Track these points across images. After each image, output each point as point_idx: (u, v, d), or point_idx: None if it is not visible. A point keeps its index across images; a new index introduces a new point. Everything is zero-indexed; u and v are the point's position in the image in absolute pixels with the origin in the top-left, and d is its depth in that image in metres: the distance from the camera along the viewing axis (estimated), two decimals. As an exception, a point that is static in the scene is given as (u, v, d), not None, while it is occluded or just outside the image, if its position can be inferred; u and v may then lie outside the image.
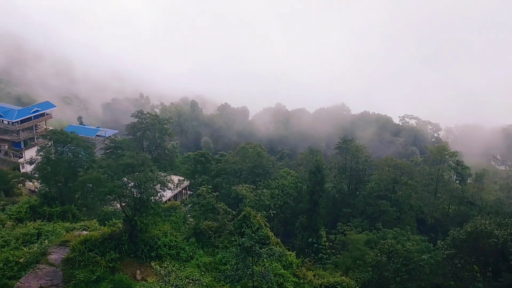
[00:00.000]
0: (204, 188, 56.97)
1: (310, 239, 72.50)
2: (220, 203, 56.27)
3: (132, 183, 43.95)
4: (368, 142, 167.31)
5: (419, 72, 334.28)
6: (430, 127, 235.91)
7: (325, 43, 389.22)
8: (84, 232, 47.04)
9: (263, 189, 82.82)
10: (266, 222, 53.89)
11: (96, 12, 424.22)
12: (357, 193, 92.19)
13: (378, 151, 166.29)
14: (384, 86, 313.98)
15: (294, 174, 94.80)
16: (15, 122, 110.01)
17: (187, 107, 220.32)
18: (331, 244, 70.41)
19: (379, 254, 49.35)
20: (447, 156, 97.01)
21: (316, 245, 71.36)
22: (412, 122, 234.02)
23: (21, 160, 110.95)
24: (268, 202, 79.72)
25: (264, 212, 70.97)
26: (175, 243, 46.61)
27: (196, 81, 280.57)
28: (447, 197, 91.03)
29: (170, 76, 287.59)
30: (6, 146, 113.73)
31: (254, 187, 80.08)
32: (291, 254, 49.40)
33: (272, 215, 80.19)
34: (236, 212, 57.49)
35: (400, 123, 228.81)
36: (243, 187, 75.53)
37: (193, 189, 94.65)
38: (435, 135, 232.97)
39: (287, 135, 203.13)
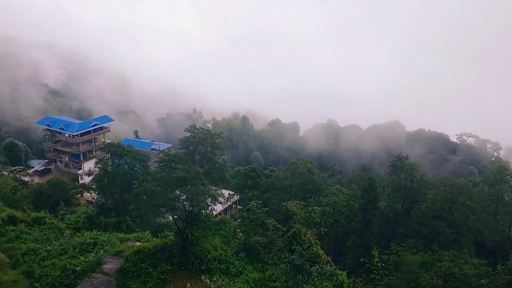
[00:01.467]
0: (254, 203, 56.99)
1: (362, 259, 70.49)
2: (270, 219, 56.09)
3: (184, 196, 44.64)
4: (423, 160, 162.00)
5: (476, 88, 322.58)
6: (490, 146, 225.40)
7: (377, 58, 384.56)
8: (138, 243, 48.10)
9: (313, 206, 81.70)
10: (316, 240, 53.09)
11: (150, 29, 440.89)
12: (412, 212, 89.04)
13: (434, 169, 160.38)
14: (439, 103, 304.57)
15: (345, 192, 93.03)
16: (75, 135, 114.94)
17: (238, 122, 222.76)
18: (383, 264, 68.11)
19: (434, 277, 47.24)
20: (508, 177, 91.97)
21: (368, 265, 69.24)
22: (470, 140, 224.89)
23: (80, 171, 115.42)
24: (318, 220, 78.48)
25: (315, 229, 69.93)
26: (225, 258, 46.74)
27: (247, 97, 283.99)
28: (508, 219, 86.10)
29: (222, 91, 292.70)
30: (67, 158, 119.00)
31: (305, 203, 79.20)
32: (342, 274, 48.22)
33: (323, 233, 78.82)
34: (286, 228, 57.05)
35: (457, 141, 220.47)
36: (293, 203, 74.94)
37: (243, 204, 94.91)
38: (495, 154, 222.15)
39: (339, 151, 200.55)
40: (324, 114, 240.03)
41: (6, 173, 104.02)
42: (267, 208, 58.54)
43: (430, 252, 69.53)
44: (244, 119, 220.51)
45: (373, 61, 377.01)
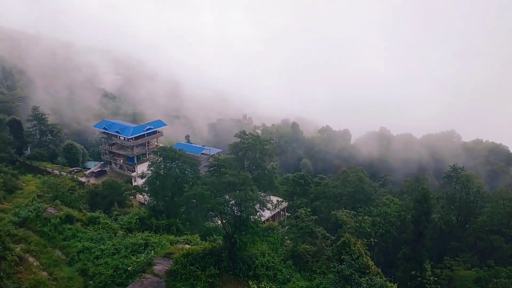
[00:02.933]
0: (303, 211, 56.40)
1: (413, 272, 68.10)
2: (318, 227, 55.31)
3: (233, 201, 44.89)
4: (480, 172, 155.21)
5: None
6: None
7: (432, 65, 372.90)
8: (187, 245, 48.78)
9: (364, 216, 79.89)
10: (366, 251, 51.68)
11: (202, 35, 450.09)
12: (467, 226, 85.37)
13: (491, 182, 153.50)
14: (498, 113, 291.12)
15: (397, 202, 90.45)
16: (130, 138, 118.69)
17: (288, 128, 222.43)
18: (436, 279, 65.58)
19: (491, 295, 44.93)
20: None
21: (419, 279, 66.80)
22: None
23: (133, 174, 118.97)
24: (369, 230, 76.61)
25: (365, 240, 68.04)
26: (273, 264, 46.50)
27: (298, 103, 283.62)
28: None
29: (272, 98, 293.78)
30: (121, 160, 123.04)
31: (355, 213, 77.63)
32: (392, 286, 46.72)
33: (373, 243, 76.73)
34: (335, 237, 56.06)
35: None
36: (343, 212, 73.63)
37: (291, 211, 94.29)
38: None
39: (391, 160, 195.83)
40: (376, 122, 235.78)
41: (65, 173, 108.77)
42: (316, 216, 57.71)
43: (486, 267, 66.39)
44: (294, 125, 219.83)
45: (427, 67, 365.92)
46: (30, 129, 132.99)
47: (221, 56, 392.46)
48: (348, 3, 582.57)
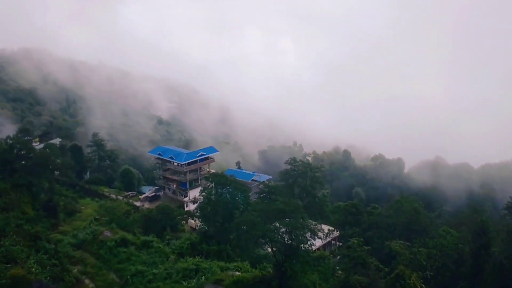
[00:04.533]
0: (355, 241, 55.17)
1: (472, 309, 64.58)
2: (371, 258, 53.83)
3: (284, 229, 44.64)
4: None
5: None
6: None
7: (491, 89, 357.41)
8: (237, 273, 48.81)
9: (419, 248, 76.72)
10: (422, 284, 49.65)
11: (250, 62, 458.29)
12: (531, 261, 79.94)
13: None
14: None
15: (454, 234, 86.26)
16: (183, 164, 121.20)
17: (339, 156, 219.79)
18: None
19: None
20: None
21: (479, 316, 63.20)
22: None
23: (186, 199, 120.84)
24: (424, 262, 73.35)
25: (420, 273, 65.42)
26: (324, 295, 45.58)
27: (349, 130, 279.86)
28: None
29: (322, 125, 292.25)
30: (174, 185, 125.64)
31: (409, 244, 74.82)
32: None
33: (429, 277, 73.40)
34: (389, 269, 54.25)
35: None
36: (397, 243, 71.22)
37: (342, 241, 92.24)
38: None
39: (447, 190, 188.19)
40: (431, 151, 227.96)
41: (121, 197, 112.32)
42: (368, 247, 56.26)
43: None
44: (346, 153, 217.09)
45: (486, 91, 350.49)
46: (90, 155, 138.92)
47: (270, 84, 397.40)
48: (398, 27, 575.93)
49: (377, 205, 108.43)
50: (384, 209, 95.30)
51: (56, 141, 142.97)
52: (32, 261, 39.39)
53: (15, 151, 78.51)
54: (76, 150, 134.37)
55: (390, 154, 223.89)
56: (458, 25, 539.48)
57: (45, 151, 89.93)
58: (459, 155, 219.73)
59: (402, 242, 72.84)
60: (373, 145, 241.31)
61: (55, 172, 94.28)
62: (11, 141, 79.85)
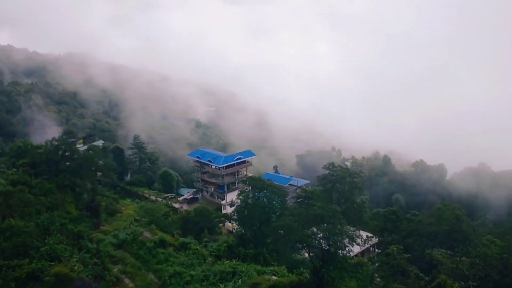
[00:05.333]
0: (395, 248, 54.16)
1: (518, 322, 61.77)
2: (411, 266, 52.63)
3: (321, 234, 44.22)
4: None
5: None
6: None
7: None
8: (274, 277, 48.61)
9: (461, 257, 74.15)
10: (464, 295, 48.06)
11: (285, 66, 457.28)
12: None
13: None
14: None
15: (499, 244, 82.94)
16: (221, 167, 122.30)
17: (379, 161, 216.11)
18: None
19: None
20: None
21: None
22: None
23: (223, 202, 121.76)
24: (467, 272, 70.79)
25: (462, 282, 63.27)
26: (362, 303, 44.76)
27: (388, 135, 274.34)
28: None
29: (361, 130, 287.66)
30: (212, 188, 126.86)
31: (451, 253, 72.44)
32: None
33: (471, 287, 70.98)
34: (429, 278, 52.86)
35: None
36: (438, 251, 69.10)
37: (381, 248, 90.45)
38: None
39: (492, 199, 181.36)
40: (475, 157, 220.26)
41: (160, 199, 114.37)
42: (408, 255, 54.97)
43: None
44: (385, 159, 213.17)
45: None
46: (131, 157, 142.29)
47: (307, 88, 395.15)
48: (437, 27, 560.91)
49: (417, 212, 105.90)
50: (424, 216, 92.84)
51: (99, 143, 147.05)
52: (74, 259, 40.55)
53: (60, 153, 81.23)
54: (118, 152, 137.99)
55: (431, 160, 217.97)
56: (502, 25, 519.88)
57: (89, 153, 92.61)
58: (504, 162, 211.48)
59: (444, 250, 70.60)
60: (413, 151, 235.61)
61: (98, 173, 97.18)
62: (56, 143, 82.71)
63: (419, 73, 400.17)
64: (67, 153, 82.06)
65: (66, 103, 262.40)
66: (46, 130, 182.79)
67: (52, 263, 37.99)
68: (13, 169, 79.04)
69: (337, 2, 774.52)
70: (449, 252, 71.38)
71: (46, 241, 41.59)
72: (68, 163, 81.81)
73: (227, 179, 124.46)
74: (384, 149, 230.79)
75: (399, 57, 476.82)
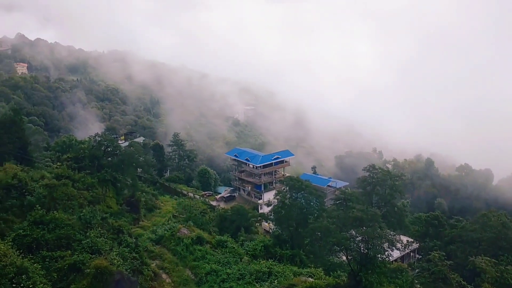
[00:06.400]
0: (436, 254, 52.56)
1: None
2: (453, 274, 50.87)
3: (360, 238, 43.33)
4: None
5: None
6: None
7: None
8: (310, 279, 47.96)
9: (506, 266, 71.25)
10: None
11: (325, 65, 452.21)
12: None
13: None
14: None
15: (548, 254, 79.24)
16: (258, 166, 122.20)
17: (421, 164, 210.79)
18: None
19: None
20: None
21: None
22: None
23: (260, 201, 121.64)
24: (512, 282, 68.07)
25: (507, 293, 60.80)
26: (401, 309, 43.49)
27: (431, 137, 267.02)
28: None
29: (403, 131, 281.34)
30: (249, 187, 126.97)
31: (496, 261, 69.62)
32: None
33: (517, 298, 67.97)
34: (472, 287, 50.84)
35: None
36: (482, 259, 66.54)
37: (422, 253, 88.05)
38: None
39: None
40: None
41: (198, 196, 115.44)
42: (450, 262, 53.14)
43: None
44: (428, 162, 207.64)
45: None
46: (170, 154, 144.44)
47: (346, 87, 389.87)
48: (481, 25, 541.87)
49: (461, 218, 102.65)
50: (468, 223, 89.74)
51: (140, 139, 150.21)
52: (114, 253, 41.25)
53: (102, 148, 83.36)
54: (158, 149, 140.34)
55: (477, 164, 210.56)
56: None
57: (130, 149, 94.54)
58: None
59: (488, 258, 68.02)
60: (458, 154, 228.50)
61: (138, 169, 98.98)
62: (99, 139, 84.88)
63: (463, 72, 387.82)
64: (109, 149, 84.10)
65: (109, 99, 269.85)
66: (89, 126, 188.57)
67: (93, 256, 38.77)
68: (58, 163, 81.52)
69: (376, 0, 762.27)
70: (493, 260, 68.64)
71: (87, 234, 42.54)
72: (110, 159, 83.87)
73: (264, 179, 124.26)
74: (427, 152, 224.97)
75: (441, 55, 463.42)
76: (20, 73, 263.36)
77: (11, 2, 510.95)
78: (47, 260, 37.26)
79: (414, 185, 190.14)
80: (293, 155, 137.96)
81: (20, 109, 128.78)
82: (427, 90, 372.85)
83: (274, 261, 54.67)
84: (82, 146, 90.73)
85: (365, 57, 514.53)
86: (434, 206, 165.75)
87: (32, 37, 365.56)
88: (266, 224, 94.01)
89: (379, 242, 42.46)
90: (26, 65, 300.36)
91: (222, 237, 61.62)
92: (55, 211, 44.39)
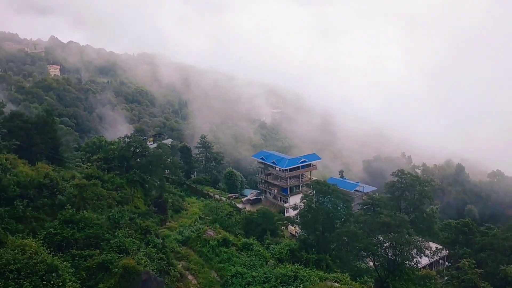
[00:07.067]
0: (466, 262, 51.19)
1: None
2: (483, 283, 49.51)
3: (387, 243, 42.80)
4: None
5: None
6: None
7: None
8: (336, 284, 47.37)
9: (540, 276, 69.05)
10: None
11: (353, 68, 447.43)
12: None
13: None
14: None
15: None
16: (285, 169, 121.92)
17: (452, 170, 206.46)
18: None
19: None
20: None
21: None
22: None
23: (286, 204, 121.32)
24: (547, 293, 65.81)
25: (541, 304, 58.82)
26: (429, 318, 42.60)
27: (462, 142, 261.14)
28: None
29: (433, 135, 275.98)
30: (275, 191, 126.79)
31: (529, 271, 67.50)
32: None
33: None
34: (505, 297, 49.39)
35: None
36: (514, 269, 64.62)
37: (451, 261, 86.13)
38: None
39: None
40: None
41: (224, 198, 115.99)
42: (480, 270, 51.73)
43: None
44: (459, 167, 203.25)
45: None
46: (197, 155, 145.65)
47: (375, 91, 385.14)
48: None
49: (492, 225, 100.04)
50: (500, 230, 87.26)
51: (168, 141, 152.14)
52: (142, 253, 41.69)
53: (131, 149, 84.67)
54: (185, 151, 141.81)
55: (510, 170, 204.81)
56: None
57: (158, 150, 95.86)
58: None
59: (521, 268, 65.97)
60: (489, 160, 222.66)
61: (166, 170, 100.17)
62: (128, 140, 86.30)
63: (495, 75, 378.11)
64: (138, 150, 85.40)
65: (138, 101, 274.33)
66: (118, 127, 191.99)
67: (121, 255, 39.29)
68: (88, 164, 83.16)
69: (407, 2, 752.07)
70: (527, 270, 66.54)
71: (116, 234, 43.19)
72: (138, 160, 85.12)
73: (290, 182, 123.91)
74: (458, 157, 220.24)
75: (473, 58, 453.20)
76: (53, 75, 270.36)
77: (45, 6, 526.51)
78: (76, 258, 37.98)
79: (443, 191, 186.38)
80: (320, 158, 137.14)
81: (53, 110, 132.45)
82: (457, 94, 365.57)
83: (300, 265, 54.23)
84: (112, 147, 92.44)
85: (394, 61, 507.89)
86: (464, 212, 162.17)
87: (64, 39, 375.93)
88: (292, 227, 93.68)
89: (407, 249, 41.88)
90: (59, 67, 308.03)
91: (248, 240, 61.52)
92: (84, 211, 45.25)
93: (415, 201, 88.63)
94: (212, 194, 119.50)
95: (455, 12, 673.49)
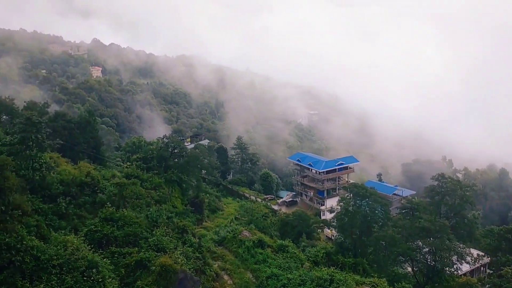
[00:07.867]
0: (509, 270, 49.32)
1: None
2: (529, 293, 47.45)
3: (427, 249, 41.84)
4: None
5: None
6: None
7: None
8: (373, 289, 46.75)
9: None
10: None
11: (388, 70, 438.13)
12: None
13: None
14: None
15: None
16: (321, 172, 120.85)
17: (495, 175, 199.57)
18: None
19: None
20: None
21: None
22: None
23: (322, 207, 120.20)
24: None
25: None
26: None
27: (506, 147, 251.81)
28: None
29: (474, 139, 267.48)
30: (311, 193, 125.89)
31: None
32: None
33: None
34: (551, 308, 47.24)
35: None
36: (562, 279, 61.75)
37: (493, 268, 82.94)
38: None
39: None
40: None
41: (260, 200, 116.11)
42: (526, 279, 49.64)
43: None
44: (502, 172, 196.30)
45: None
46: (234, 156, 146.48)
47: (412, 92, 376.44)
48: None
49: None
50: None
51: (205, 142, 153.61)
52: (178, 252, 42.37)
53: (170, 150, 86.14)
54: (222, 152, 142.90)
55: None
56: None
57: (195, 151, 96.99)
58: None
59: None
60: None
61: (203, 171, 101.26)
62: (167, 140, 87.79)
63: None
64: (176, 151, 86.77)
65: (177, 103, 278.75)
66: (157, 128, 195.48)
67: (158, 253, 40.05)
68: (128, 163, 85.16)
69: (444, 2, 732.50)
70: None
71: (154, 232, 44.08)
72: (176, 160, 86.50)
73: (327, 185, 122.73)
74: (501, 162, 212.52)
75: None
76: (95, 76, 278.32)
77: (88, 9, 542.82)
78: (115, 255, 38.98)
79: (486, 196, 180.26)
80: (357, 161, 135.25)
81: (94, 110, 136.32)
82: (498, 96, 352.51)
83: (336, 268, 53.66)
84: (151, 147, 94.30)
85: (432, 62, 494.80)
86: (508, 219, 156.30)
87: (106, 42, 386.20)
88: (329, 231, 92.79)
89: (447, 255, 40.86)
90: (101, 68, 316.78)
91: (283, 242, 61.42)
92: (124, 209, 46.38)
93: (456, 206, 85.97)
94: (247, 195, 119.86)
95: (493, 12, 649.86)
